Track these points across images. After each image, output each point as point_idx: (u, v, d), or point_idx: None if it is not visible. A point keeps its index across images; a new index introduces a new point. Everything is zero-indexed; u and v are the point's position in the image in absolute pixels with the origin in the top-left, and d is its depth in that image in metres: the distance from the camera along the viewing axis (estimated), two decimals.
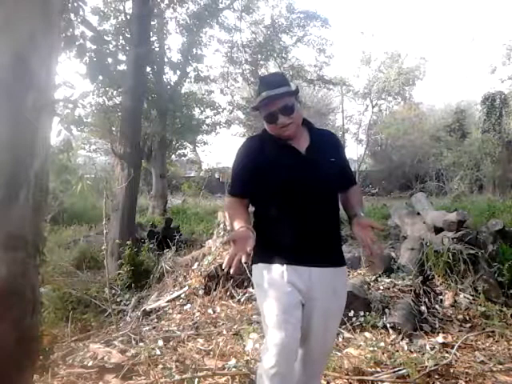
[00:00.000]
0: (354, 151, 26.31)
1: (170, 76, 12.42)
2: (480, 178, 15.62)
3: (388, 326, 3.24)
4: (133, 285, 4.77)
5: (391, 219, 7.93)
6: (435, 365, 2.72)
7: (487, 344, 3.18)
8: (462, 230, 4.58)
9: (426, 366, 2.70)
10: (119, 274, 4.77)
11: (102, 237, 4.60)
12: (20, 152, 1.43)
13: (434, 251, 4.20)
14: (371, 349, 2.93)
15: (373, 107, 23.81)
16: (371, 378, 2.60)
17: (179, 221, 9.36)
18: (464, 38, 48.41)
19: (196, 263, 4.62)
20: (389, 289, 3.87)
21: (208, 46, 13.28)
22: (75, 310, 3.94)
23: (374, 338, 3.12)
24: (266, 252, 1.78)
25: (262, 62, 14.80)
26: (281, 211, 1.78)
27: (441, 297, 3.87)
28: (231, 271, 1.61)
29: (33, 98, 1.44)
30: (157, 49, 11.22)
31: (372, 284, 3.93)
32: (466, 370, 2.74)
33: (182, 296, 4.21)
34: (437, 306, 3.75)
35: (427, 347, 3.02)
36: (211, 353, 2.98)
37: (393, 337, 3.15)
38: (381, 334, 3.20)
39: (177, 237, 5.94)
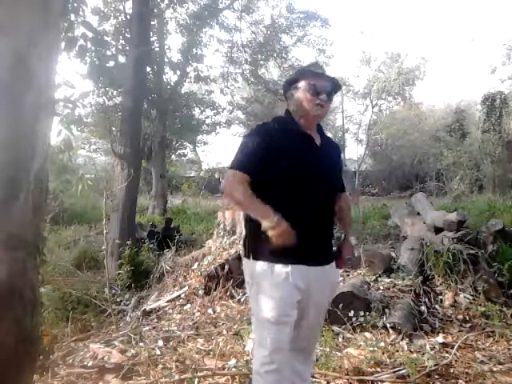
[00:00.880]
0: (354, 151, 26.33)
1: (170, 76, 12.45)
2: (480, 178, 15.61)
3: (388, 325, 3.24)
4: (133, 285, 4.77)
5: (391, 219, 7.92)
6: (435, 365, 2.72)
7: (487, 344, 3.17)
8: (461, 230, 4.58)
9: (426, 366, 2.70)
10: (119, 273, 4.77)
11: (102, 237, 4.60)
12: (20, 152, 1.43)
13: (434, 251, 4.20)
14: (371, 349, 2.93)
15: (373, 107, 23.82)
16: (371, 377, 2.60)
17: (179, 221, 9.36)
18: (464, 38, 48.44)
19: (196, 263, 4.62)
20: (389, 289, 3.87)
21: (208, 45, 13.29)
22: (75, 309, 3.94)
23: (373, 338, 3.12)
24: (267, 249, 1.70)
25: (262, 62, 14.78)
26: (290, 205, 1.71)
27: (441, 297, 3.87)
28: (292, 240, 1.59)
29: (33, 98, 1.44)
30: (157, 49, 11.23)
31: (372, 284, 3.93)
32: (466, 370, 2.73)
33: (182, 296, 4.22)
34: (437, 306, 3.75)
35: (427, 347, 3.02)
36: (211, 353, 2.98)
37: (393, 337, 3.15)
38: (381, 333, 3.20)
39: (177, 237, 5.94)
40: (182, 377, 2.58)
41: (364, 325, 3.28)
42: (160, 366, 2.78)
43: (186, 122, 12.81)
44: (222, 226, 4.92)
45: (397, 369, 2.69)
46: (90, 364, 2.82)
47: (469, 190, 14.80)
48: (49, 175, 1.64)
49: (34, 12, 1.46)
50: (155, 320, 3.90)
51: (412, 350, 2.99)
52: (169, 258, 5.13)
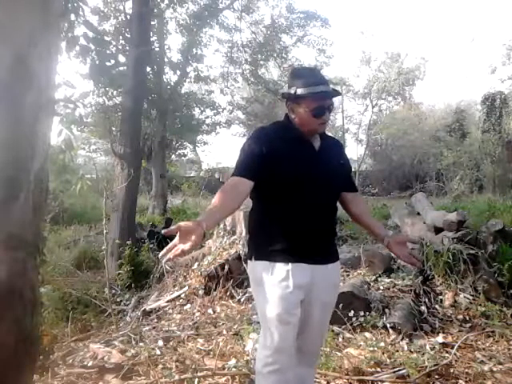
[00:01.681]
0: (354, 151, 26.28)
1: (170, 76, 12.44)
2: (480, 178, 15.60)
3: (388, 325, 3.24)
4: (133, 285, 4.77)
5: (391, 219, 7.91)
6: (435, 365, 2.72)
7: (487, 344, 3.17)
8: (462, 230, 4.58)
9: (426, 366, 2.70)
10: (119, 273, 4.77)
11: (102, 237, 4.60)
12: (20, 152, 1.43)
13: (434, 251, 4.20)
14: (371, 349, 2.93)
15: (373, 107, 23.82)
16: (371, 377, 2.60)
17: (179, 221, 9.31)
18: (464, 38, 48.43)
19: (196, 263, 4.62)
20: (389, 289, 3.87)
21: (208, 46, 13.29)
22: (75, 309, 3.94)
23: (374, 338, 3.12)
24: (268, 248, 1.75)
25: (262, 62, 14.77)
26: (288, 206, 1.75)
27: (441, 297, 3.87)
28: (163, 261, 1.50)
29: (33, 98, 1.44)
30: (157, 49, 11.22)
31: (372, 284, 3.93)
32: (466, 370, 2.73)
33: (182, 296, 4.22)
34: (437, 306, 3.75)
35: (427, 347, 3.02)
36: (211, 353, 2.98)
37: (393, 337, 3.15)
38: (381, 333, 3.20)
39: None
40: (182, 377, 2.58)
41: (364, 325, 3.28)
42: (160, 366, 2.78)
43: (186, 122, 12.80)
44: (222, 226, 4.92)
45: (397, 369, 2.69)
46: (90, 364, 2.82)
47: (469, 189, 14.79)
48: (49, 175, 1.64)
49: (34, 12, 1.46)
50: (155, 320, 3.90)
51: (412, 349, 2.99)
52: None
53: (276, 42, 14.46)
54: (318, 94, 1.75)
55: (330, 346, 2.97)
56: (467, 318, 3.56)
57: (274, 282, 1.71)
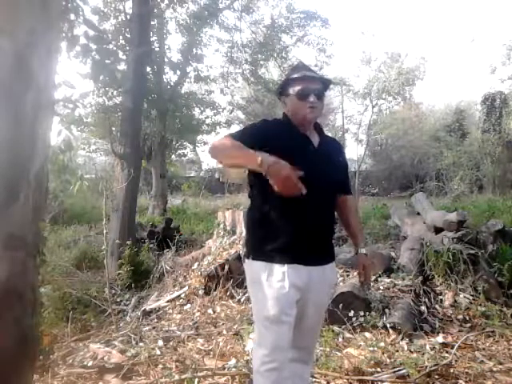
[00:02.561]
0: (354, 151, 26.34)
1: (170, 76, 12.42)
2: (480, 178, 15.61)
3: (388, 325, 3.24)
4: (133, 285, 4.77)
5: (391, 219, 7.92)
6: (435, 365, 2.72)
7: (487, 344, 3.17)
8: (462, 230, 4.59)
9: (426, 366, 2.70)
10: (119, 273, 4.77)
11: (102, 237, 4.60)
12: (20, 152, 1.42)
13: (434, 251, 4.20)
14: (371, 349, 2.94)
15: (373, 107, 23.75)
16: (371, 378, 2.60)
17: (179, 221, 9.36)
18: (464, 39, 48.40)
19: (196, 263, 4.62)
20: (389, 289, 3.87)
21: (208, 46, 13.27)
22: (75, 310, 3.93)
23: (374, 338, 3.12)
24: (265, 248, 1.75)
25: (262, 62, 14.76)
26: (287, 203, 1.70)
27: (441, 297, 3.87)
28: (303, 191, 1.51)
29: (33, 98, 1.44)
30: (157, 49, 11.22)
31: (372, 284, 3.93)
32: (466, 370, 2.73)
33: (182, 296, 4.22)
34: (437, 306, 3.75)
35: (427, 347, 3.02)
36: (211, 353, 2.98)
37: (393, 337, 3.15)
38: (381, 333, 3.20)
39: (177, 237, 5.94)
40: (182, 377, 2.58)
41: (364, 325, 3.28)
42: (160, 366, 2.78)
43: (186, 122, 12.78)
44: (222, 225, 4.93)
45: (397, 369, 2.69)
46: (90, 364, 2.82)
47: (469, 190, 14.78)
48: (49, 175, 1.64)
49: (34, 12, 1.46)
50: (155, 320, 3.90)
51: (412, 349, 2.99)
52: (169, 257, 5.13)
53: (276, 42, 14.45)
54: (300, 77, 1.83)
55: (329, 346, 2.97)
56: (467, 318, 3.56)
57: (271, 282, 1.72)
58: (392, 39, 44.42)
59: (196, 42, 12.04)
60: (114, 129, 7.83)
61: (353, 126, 25.84)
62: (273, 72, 17.76)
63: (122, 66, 7.71)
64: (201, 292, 4.16)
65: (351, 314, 3.33)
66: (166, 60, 11.71)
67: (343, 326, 3.27)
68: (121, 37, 10.14)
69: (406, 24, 55.49)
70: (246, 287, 4.14)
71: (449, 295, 3.84)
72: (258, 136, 1.76)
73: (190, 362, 2.84)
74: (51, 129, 1.65)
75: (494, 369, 2.77)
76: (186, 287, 4.30)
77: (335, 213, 1.99)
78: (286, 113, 1.90)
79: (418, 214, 6.61)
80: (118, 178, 5.97)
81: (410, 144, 21.20)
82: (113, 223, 5.82)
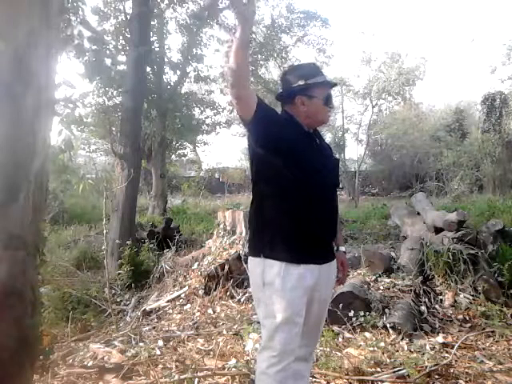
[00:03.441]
0: (354, 151, 26.32)
1: (170, 76, 12.40)
2: (480, 178, 15.61)
3: (388, 325, 3.24)
4: (133, 285, 4.76)
5: (391, 219, 7.92)
6: (435, 365, 2.72)
7: (487, 344, 3.17)
8: (462, 230, 4.58)
9: (426, 366, 2.70)
10: (119, 273, 4.77)
11: (102, 237, 4.60)
12: (20, 152, 1.43)
13: (434, 251, 4.20)
14: (371, 349, 2.93)
15: (373, 107, 23.75)
16: (371, 378, 2.60)
17: (179, 221, 9.36)
18: (464, 38, 48.41)
19: (196, 263, 4.62)
20: (389, 289, 3.87)
21: (208, 46, 13.27)
22: (75, 310, 3.94)
23: (374, 338, 3.12)
24: (280, 246, 1.72)
25: (261, 62, 14.77)
26: (301, 200, 1.73)
27: (441, 297, 3.87)
28: None
29: (33, 98, 1.44)
30: (157, 49, 11.21)
31: (372, 284, 3.93)
32: (466, 370, 2.73)
33: (182, 296, 4.22)
34: (437, 306, 3.75)
35: (427, 347, 3.02)
36: (211, 353, 2.98)
37: (393, 337, 3.15)
38: (381, 333, 3.20)
39: (177, 237, 5.94)
40: (182, 377, 2.58)
41: (364, 325, 3.28)
42: (160, 366, 2.78)
43: (185, 122, 12.77)
44: (221, 226, 4.92)
45: (397, 369, 2.69)
46: (90, 364, 2.82)
47: (469, 190, 14.78)
48: (49, 175, 1.64)
49: (34, 12, 1.46)
50: (155, 320, 3.90)
51: (412, 349, 2.99)
52: (169, 257, 5.13)
53: (276, 42, 14.46)
54: (326, 82, 1.87)
55: (330, 346, 2.97)
56: (467, 318, 3.56)
57: (285, 284, 1.69)
58: (392, 39, 44.51)
59: (196, 42, 12.03)
60: (113, 129, 7.82)
61: (353, 126, 25.80)
62: (273, 72, 17.74)
63: (122, 66, 7.70)
64: (201, 292, 4.16)
65: (351, 314, 3.33)
66: (166, 60, 11.70)
67: (343, 326, 3.27)
68: (121, 37, 10.13)
69: (406, 24, 55.55)
70: (246, 287, 4.14)
71: (449, 295, 3.84)
72: (274, 113, 1.79)
73: (190, 362, 2.84)
74: (51, 129, 1.65)
75: (494, 369, 2.76)
76: (186, 287, 4.30)
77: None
78: (288, 111, 1.87)
79: (418, 214, 6.61)
80: (118, 178, 5.97)
81: (410, 144, 21.19)
82: (113, 223, 5.81)
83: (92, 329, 3.79)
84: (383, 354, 2.90)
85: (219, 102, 14.34)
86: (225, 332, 3.36)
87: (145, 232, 6.78)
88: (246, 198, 13.31)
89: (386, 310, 3.44)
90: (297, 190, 1.73)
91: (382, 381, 2.58)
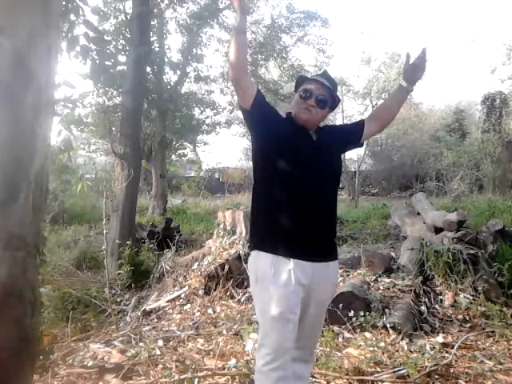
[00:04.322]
0: (354, 151, 26.25)
1: (170, 76, 12.42)
2: (480, 178, 15.61)
3: (388, 325, 3.24)
4: (133, 285, 4.77)
5: (391, 219, 7.92)
6: (435, 365, 2.72)
7: (487, 344, 3.18)
8: (461, 230, 4.59)
9: (426, 366, 2.70)
10: (119, 273, 4.77)
11: (102, 237, 4.60)
12: (20, 152, 1.42)
13: (434, 251, 4.20)
14: (371, 349, 2.93)
15: (373, 107, 23.77)
16: (371, 378, 2.60)
17: (179, 221, 9.36)
18: (464, 39, 48.40)
19: (196, 263, 4.62)
20: (389, 289, 3.87)
21: (208, 46, 13.28)
22: (75, 309, 3.94)
23: (374, 338, 3.12)
24: (270, 238, 1.76)
25: (262, 62, 14.77)
26: (292, 193, 1.77)
27: (441, 297, 3.88)
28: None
29: (33, 98, 1.44)
30: (157, 49, 11.21)
31: (372, 284, 3.93)
32: (466, 370, 2.74)
33: (182, 296, 4.22)
34: (437, 306, 3.75)
35: (427, 347, 3.02)
36: (211, 353, 2.98)
37: (393, 337, 3.15)
38: (381, 333, 3.20)
39: (177, 237, 5.94)
40: (182, 377, 2.58)
41: (364, 325, 3.28)
42: (160, 366, 2.78)
43: (185, 122, 12.78)
44: (221, 226, 4.92)
45: (397, 369, 2.69)
46: (90, 364, 2.82)
47: (469, 190, 14.79)
48: (49, 175, 1.64)
49: (34, 12, 1.46)
50: (155, 320, 3.90)
51: (412, 349, 2.99)
52: (169, 258, 5.12)
53: (276, 42, 14.45)
54: (312, 79, 1.93)
55: (330, 345, 2.97)
56: (467, 318, 3.56)
57: (277, 280, 1.71)
58: (392, 39, 44.49)
59: (196, 42, 12.04)
60: (113, 129, 7.83)
61: None
62: (273, 72, 17.75)
63: (122, 66, 7.70)
64: (201, 292, 4.16)
65: (351, 313, 3.33)
66: (166, 60, 11.70)
67: (343, 326, 3.27)
68: (121, 37, 10.13)
69: (406, 24, 55.53)
70: (246, 287, 4.14)
71: (449, 295, 3.84)
72: (270, 109, 1.94)
73: (190, 362, 2.84)
74: (51, 129, 1.65)
75: (494, 369, 2.77)
76: (186, 287, 4.30)
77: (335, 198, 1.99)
78: (289, 112, 1.97)
79: (418, 214, 6.61)
80: (118, 178, 5.97)
81: (410, 144, 21.20)
82: (113, 223, 5.82)
83: (92, 329, 3.79)
84: (383, 354, 2.90)
85: (219, 102, 14.37)
86: (225, 332, 3.36)
87: (145, 232, 6.79)
88: (246, 198, 13.30)
89: (386, 310, 3.44)
90: (285, 186, 1.78)
91: (382, 381, 2.58)
